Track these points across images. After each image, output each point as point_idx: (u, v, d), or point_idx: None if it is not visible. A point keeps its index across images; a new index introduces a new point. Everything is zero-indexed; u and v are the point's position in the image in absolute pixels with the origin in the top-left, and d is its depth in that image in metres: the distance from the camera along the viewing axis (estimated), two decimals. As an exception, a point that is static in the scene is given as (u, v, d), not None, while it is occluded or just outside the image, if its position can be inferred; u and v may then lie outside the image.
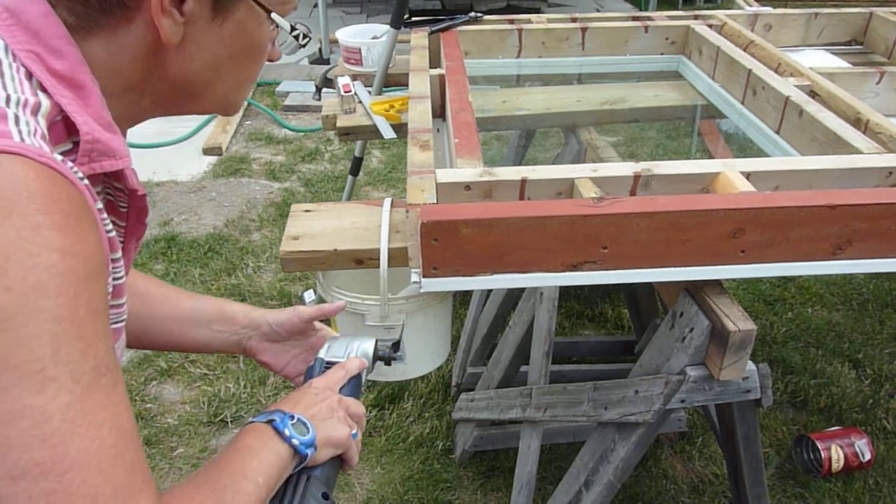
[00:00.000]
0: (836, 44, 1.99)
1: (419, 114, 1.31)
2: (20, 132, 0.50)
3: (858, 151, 1.16)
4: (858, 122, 1.27)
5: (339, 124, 1.68)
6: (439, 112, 1.49)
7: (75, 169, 0.54)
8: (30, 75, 0.55)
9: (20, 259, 0.47)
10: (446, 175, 1.06)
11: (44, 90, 0.55)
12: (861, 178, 1.09)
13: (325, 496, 0.73)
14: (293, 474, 0.72)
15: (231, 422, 2.15)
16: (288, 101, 4.41)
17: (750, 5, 2.15)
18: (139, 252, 0.73)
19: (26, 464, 0.46)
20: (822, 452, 1.95)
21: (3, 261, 0.46)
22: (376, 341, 0.94)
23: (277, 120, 4.19)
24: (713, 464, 2.03)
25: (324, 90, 2.16)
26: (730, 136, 1.97)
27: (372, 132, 1.66)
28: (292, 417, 0.71)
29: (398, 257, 1.15)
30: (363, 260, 1.19)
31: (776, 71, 1.51)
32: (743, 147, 1.69)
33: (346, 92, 1.71)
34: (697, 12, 1.94)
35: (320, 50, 5.03)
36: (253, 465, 0.66)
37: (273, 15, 0.66)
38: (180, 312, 0.92)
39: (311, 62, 4.99)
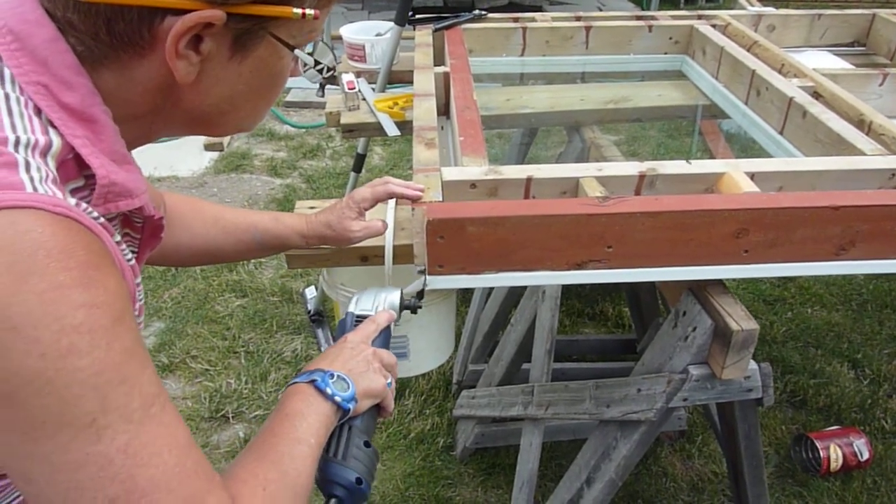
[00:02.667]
0: (839, 45, 1.99)
1: (424, 111, 1.31)
2: (31, 180, 0.49)
3: (862, 153, 1.17)
4: (862, 124, 1.28)
5: (342, 121, 1.68)
6: (443, 110, 1.50)
7: (90, 210, 0.53)
8: (38, 111, 0.53)
9: (47, 324, 0.47)
10: (452, 173, 1.06)
11: (53, 126, 0.53)
12: (864, 179, 1.10)
13: (367, 444, 0.78)
14: (336, 426, 0.76)
15: (232, 417, 2.16)
16: (290, 98, 4.41)
17: (752, 5, 2.15)
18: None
19: (102, 500, 0.50)
20: (820, 452, 1.96)
21: (31, 329, 0.47)
22: (401, 291, 0.97)
23: (279, 116, 4.19)
24: (712, 462, 2.04)
25: (327, 87, 2.16)
26: (731, 136, 1.97)
27: (375, 129, 1.66)
28: (332, 375, 0.75)
29: (403, 255, 1.16)
30: (368, 257, 1.20)
31: (780, 72, 1.51)
32: (744, 147, 1.69)
33: (349, 89, 1.71)
34: (701, 12, 1.94)
35: (322, 46, 5.02)
36: (303, 427, 0.70)
37: (297, 52, 0.63)
38: (237, 226, 1.01)
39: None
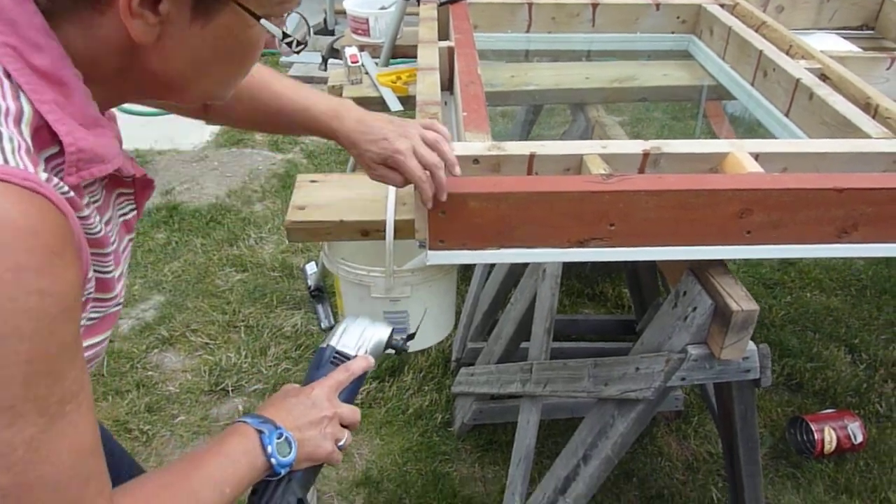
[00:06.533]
0: (848, 28, 1.98)
1: (427, 86, 1.30)
2: (3, 151, 0.48)
3: (867, 136, 1.16)
4: (868, 107, 1.27)
5: (344, 95, 1.67)
6: (447, 85, 1.49)
7: (61, 185, 0.52)
8: (7, 74, 0.51)
9: (1, 303, 0.47)
10: (455, 148, 1.05)
11: (23, 91, 0.52)
12: (869, 162, 1.09)
13: (300, 501, 0.77)
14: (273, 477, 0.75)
15: (232, 391, 2.17)
16: (292, 72, 4.38)
17: (762, -14, 2.13)
18: (140, 219, 0.74)
19: None
20: (815, 434, 1.97)
21: None
22: (392, 331, 0.94)
23: (281, 91, 4.16)
24: (708, 443, 2.05)
25: (330, 61, 2.14)
26: (735, 119, 1.96)
27: (378, 104, 1.65)
28: (280, 435, 0.74)
29: (404, 230, 1.16)
30: (369, 231, 1.19)
31: (787, 53, 1.50)
32: (748, 130, 1.68)
33: (353, 62, 1.70)
34: (709, -9, 1.92)
35: (325, 20, 4.98)
36: (227, 473, 0.69)
37: (263, 21, 0.60)
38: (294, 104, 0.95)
39: (315, 32, 4.94)
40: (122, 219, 0.70)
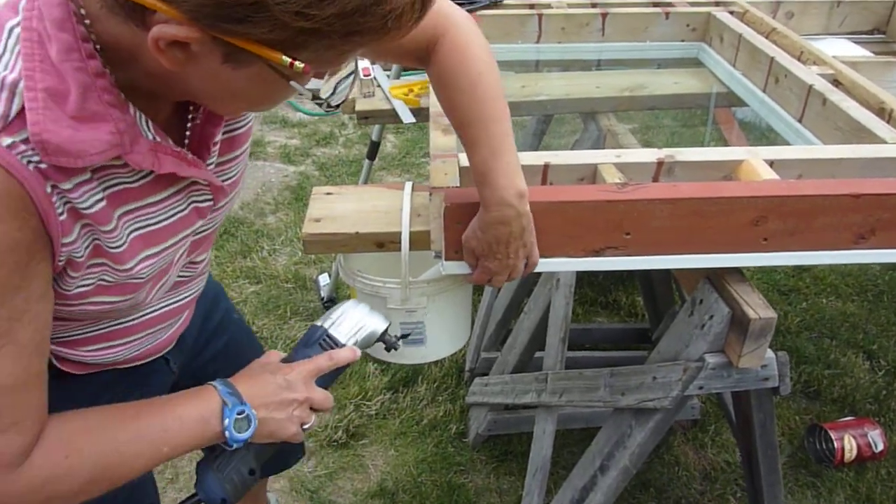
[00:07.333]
0: (859, 33, 1.97)
1: (440, 98, 1.31)
2: None
3: (882, 141, 1.15)
4: (882, 112, 1.26)
5: (357, 108, 1.68)
6: (459, 97, 1.49)
7: (29, 153, 0.56)
8: (21, 56, 0.56)
9: None
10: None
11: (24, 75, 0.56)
12: (885, 167, 1.09)
13: (252, 472, 0.79)
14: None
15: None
16: (302, 85, 4.41)
17: (771, -8, 2.13)
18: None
19: None
20: (835, 442, 1.95)
21: None
22: (388, 326, 0.94)
23: (292, 103, 4.19)
24: (725, 452, 2.03)
25: (342, 74, 2.16)
26: (745, 125, 1.96)
27: (390, 116, 1.66)
28: (241, 412, 0.75)
29: (419, 241, 1.16)
30: (384, 243, 1.20)
31: (799, 59, 1.49)
32: (759, 136, 1.68)
33: (365, 75, 1.71)
34: (718, -1, 1.92)
35: (334, 34, 5.02)
36: (171, 434, 0.71)
37: (293, 83, 0.59)
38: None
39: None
40: (193, 205, 0.76)
